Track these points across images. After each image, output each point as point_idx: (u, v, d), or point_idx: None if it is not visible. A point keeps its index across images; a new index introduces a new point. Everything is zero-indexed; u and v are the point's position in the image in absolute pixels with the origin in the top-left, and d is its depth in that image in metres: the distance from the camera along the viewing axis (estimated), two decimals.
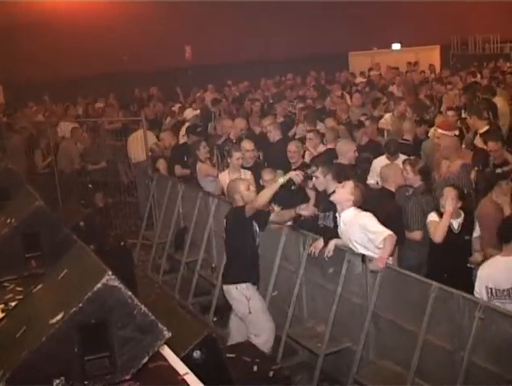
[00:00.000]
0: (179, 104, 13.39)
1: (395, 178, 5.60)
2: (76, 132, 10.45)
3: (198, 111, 11.87)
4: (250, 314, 5.11)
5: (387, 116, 9.33)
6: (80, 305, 1.96)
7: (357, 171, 6.58)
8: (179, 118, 11.37)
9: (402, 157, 6.46)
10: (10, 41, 15.11)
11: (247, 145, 7.09)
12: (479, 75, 14.11)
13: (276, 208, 5.61)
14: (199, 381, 2.19)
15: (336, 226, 5.04)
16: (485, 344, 4.03)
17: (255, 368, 4.06)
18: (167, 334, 2.08)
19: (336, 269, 5.11)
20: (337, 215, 4.98)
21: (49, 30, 16.02)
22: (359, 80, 16.35)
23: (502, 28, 20.81)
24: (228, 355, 3.90)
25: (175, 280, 7.52)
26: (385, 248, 4.63)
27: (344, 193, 4.88)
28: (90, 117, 12.44)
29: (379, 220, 4.78)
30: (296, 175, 5.17)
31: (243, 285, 5.12)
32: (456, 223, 5.09)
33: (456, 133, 7.34)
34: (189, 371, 2.25)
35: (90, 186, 9.60)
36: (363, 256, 4.80)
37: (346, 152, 6.46)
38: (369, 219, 4.77)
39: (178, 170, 8.06)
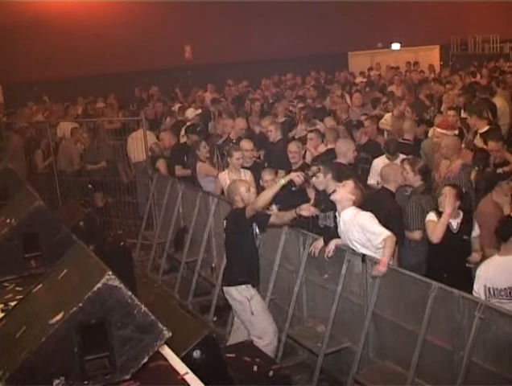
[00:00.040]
0: (179, 103, 13.38)
1: (395, 178, 5.59)
2: (76, 132, 10.45)
3: (200, 110, 11.87)
4: (253, 316, 5.09)
5: (387, 116, 9.33)
6: (80, 305, 1.96)
7: (357, 171, 6.58)
8: (180, 118, 11.35)
9: (402, 157, 6.45)
10: (9, 41, 15.09)
11: (246, 144, 7.09)
12: (479, 75, 14.11)
13: (274, 208, 5.60)
14: (199, 381, 2.20)
15: (336, 226, 5.04)
16: (485, 344, 4.03)
17: (255, 368, 4.06)
18: (167, 334, 2.08)
19: (335, 269, 5.10)
20: (337, 214, 4.98)
21: (49, 30, 16.01)
22: (359, 79, 16.36)
23: (502, 28, 20.81)
24: (228, 355, 3.90)
25: (174, 280, 7.51)
26: (385, 251, 4.60)
27: (344, 192, 4.87)
28: (90, 117, 12.43)
29: (379, 220, 4.78)
30: (297, 177, 5.16)
31: (243, 287, 5.11)
32: (454, 223, 5.08)
33: (456, 132, 7.33)
34: (189, 370, 2.25)
35: (90, 186, 9.59)
36: (363, 255, 4.80)
37: (345, 152, 6.46)
38: (368, 220, 4.76)
39: (178, 170, 8.06)
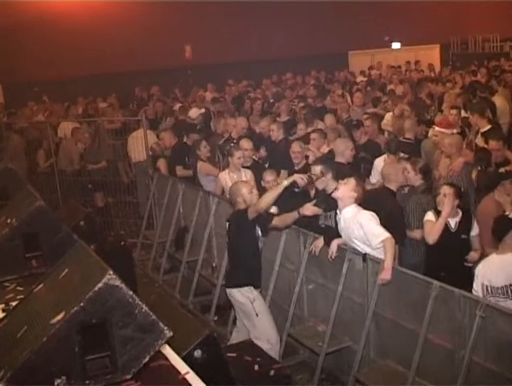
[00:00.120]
0: (180, 103, 13.38)
1: (396, 178, 5.59)
2: (77, 132, 10.45)
3: (203, 110, 11.85)
4: (257, 317, 5.07)
5: (388, 116, 9.31)
6: (81, 304, 1.96)
7: (357, 170, 6.57)
8: (180, 118, 11.36)
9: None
10: (10, 40, 15.09)
11: (245, 144, 7.08)
12: (479, 74, 14.10)
13: (273, 209, 5.57)
14: (200, 380, 2.20)
15: (338, 226, 5.03)
16: (486, 343, 4.02)
17: (256, 367, 4.07)
18: (168, 334, 2.08)
19: (336, 269, 5.10)
20: (338, 211, 4.96)
21: (49, 30, 16.02)
22: (360, 79, 16.35)
23: (502, 27, 20.79)
24: (228, 355, 3.90)
25: (175, 279, 7.51)
26: (387, 257, 4.56)
27: (346, 189, 4.87)
28: (90, 117, 12.43)
29: (380, 219, 4.77)
30: (301, 179, 5.14)
31: (246, 289, 5.10)
32: (453, 222, 5.07)
33: (455, 131, 7.32)
34: (190, 370, 2.25)
35: (90, 185, 9.60)
36: (364, 255, 4.79)
37: (343, 150, 6.45)
38: (368, 219, 4.75)
39: (179, 171, 8.05)
